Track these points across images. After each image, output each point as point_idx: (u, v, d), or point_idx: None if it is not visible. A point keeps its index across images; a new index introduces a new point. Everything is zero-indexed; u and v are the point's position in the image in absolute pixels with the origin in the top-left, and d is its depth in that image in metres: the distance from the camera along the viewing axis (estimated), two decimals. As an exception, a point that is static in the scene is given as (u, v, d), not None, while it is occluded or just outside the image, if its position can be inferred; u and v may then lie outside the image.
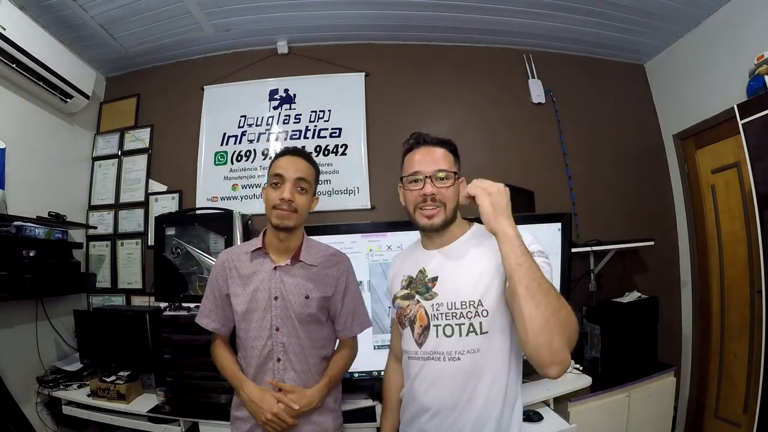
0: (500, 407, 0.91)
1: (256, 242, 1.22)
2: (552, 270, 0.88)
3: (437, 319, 0.95)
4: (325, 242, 1.82)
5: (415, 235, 1.81)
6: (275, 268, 1.17)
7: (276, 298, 1.16)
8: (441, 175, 0.96)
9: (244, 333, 1.18)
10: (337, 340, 1.32)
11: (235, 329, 1.23)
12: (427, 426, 0.96)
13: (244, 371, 1.19)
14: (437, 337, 0.95)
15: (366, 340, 1.79)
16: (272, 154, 2.53)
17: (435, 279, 0.98)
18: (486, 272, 0.92)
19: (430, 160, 0.97)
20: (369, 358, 1.81)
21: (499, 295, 0.90)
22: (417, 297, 1.00)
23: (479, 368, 0.91)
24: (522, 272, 0.78)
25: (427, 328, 0.96)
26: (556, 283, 1.82)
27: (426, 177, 0.96)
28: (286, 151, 1.20)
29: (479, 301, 0.90)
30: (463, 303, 0.92)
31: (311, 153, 2.53)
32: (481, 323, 0.91)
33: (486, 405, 0.91)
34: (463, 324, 0.92)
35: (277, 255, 1.19)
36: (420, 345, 0.98)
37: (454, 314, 0.93)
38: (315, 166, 1.23)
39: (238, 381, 1.17)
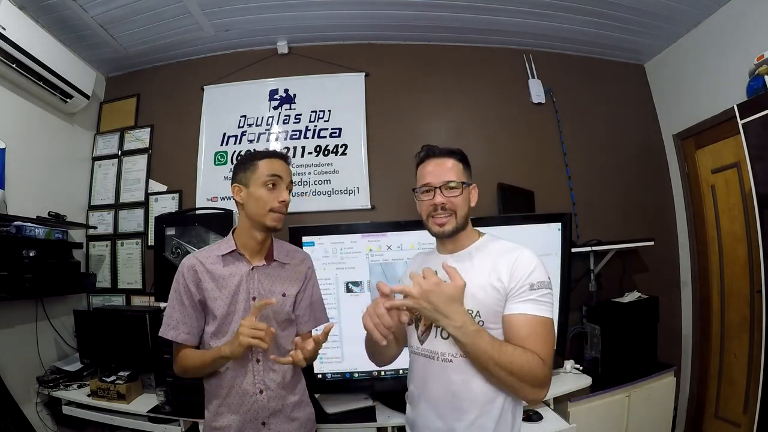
0: (495, 410, 0.94)
1: (226, 244, 1.18)
2: (552, 300, 0.94)
3: None
4: (325, 242, 1.85)
5: (414, 235, 1.84)
6: (252, 268, 1.18)
7: (254, 299, 1.15)
8: (451, 185, 1.00)
9: (225, 336, 1.13)
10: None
11: (203, 339, 1.18)
12: (421, 416, 1.03)
13: (221, 380, 1.14)
14: (435, 337, 0.99)
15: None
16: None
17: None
18: (487, 284, 0.95)
19: (439, 171, 1.02)
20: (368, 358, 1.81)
21: (495, 310, 0.94)
22: None
23: (471, 371, 0.93)
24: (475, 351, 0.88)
25: (429, 328, 1.01)
26: (556, 283, 1.83)
27: (436, 188, 1.01)
28: (275, 155, 1.19)
29: (477, 311, 0.94)
30: None
31: (311, 152, 2.55)
32: None
33: (477, 407, 0.94)
34: None
35: (252, 256, 1.19)
36: (422, 342, 1.03)
37: None
38: None
39: (215, 351, 1.07)
